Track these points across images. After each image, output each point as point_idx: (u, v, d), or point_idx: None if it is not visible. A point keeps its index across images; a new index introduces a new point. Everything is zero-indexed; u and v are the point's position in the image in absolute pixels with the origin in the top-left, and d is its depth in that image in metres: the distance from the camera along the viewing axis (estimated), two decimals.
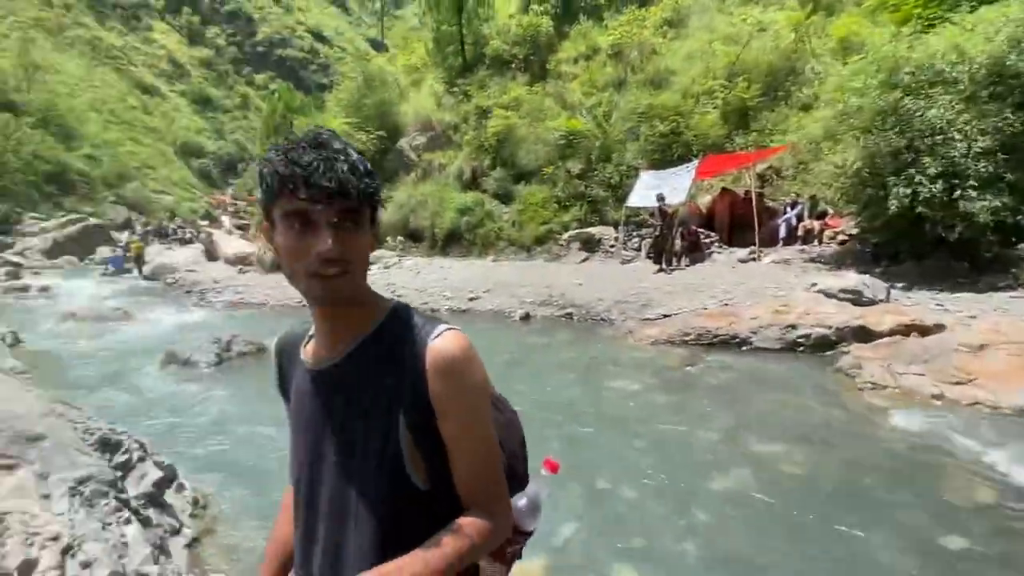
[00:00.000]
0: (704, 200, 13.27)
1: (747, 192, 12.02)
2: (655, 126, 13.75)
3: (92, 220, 25.82)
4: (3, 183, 26.59)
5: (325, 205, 0.71)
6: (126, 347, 7.49)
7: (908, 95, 7.66)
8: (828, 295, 6.34)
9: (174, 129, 47.38)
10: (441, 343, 0.78)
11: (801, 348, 5.90)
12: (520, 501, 0.91)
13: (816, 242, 10.32)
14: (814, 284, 6.80)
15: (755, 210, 10.36)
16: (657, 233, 10.20)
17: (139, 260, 17.16)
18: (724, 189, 12.47)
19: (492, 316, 9.16)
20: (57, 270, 19.18)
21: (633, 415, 4.36)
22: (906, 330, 5.45)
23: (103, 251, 21.73)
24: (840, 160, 8.56)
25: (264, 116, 31.81)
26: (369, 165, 0.78)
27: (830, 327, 5.80)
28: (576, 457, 3.53)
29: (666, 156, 13.61)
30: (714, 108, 14.09)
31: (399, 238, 16.48)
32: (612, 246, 12.52)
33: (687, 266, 10.52)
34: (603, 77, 16.88)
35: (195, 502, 2.73)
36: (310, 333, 0.89)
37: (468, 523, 0.77)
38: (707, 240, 11.38)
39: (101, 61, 46.39)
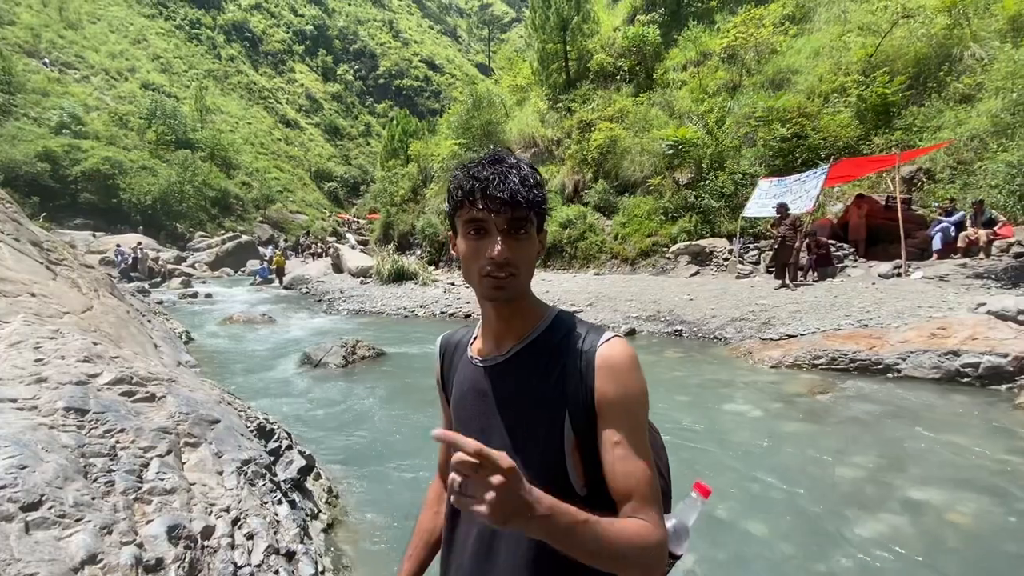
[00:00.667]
0: (836, 209, 11.99)
1: (890, 199, 10.64)
2: (775, 130, 12.73)
3: (244, 237, 29.92)
4: (181, 208, 31.84)
5: (498, 214, 0.77)
6: (270, 348, 8.51)
7: None
8: (1003, 317, 5.35)
9: (309, 157, 53.56)
10: (610, 348, 0.81)
11: (965, 379, 5.02)
12: (669, 522, 0.87)
13: (982, 255, 8.80)
14: (982, 304, 5.79)
15: (900, 218, 9.11)
16: (779, 245, 9.38)
17: (280, 272, 19.46)
18: (860, 196, 11.14)
19: None
20: (218, 280, 22.48)
21: (756, 443, 4.00)
22: None
23: (252, 263, 25.01)
24: (1016, 158, 7.25)
25: (384, 141, 34.78)
26: (539, 176, 0.84)
27: (1006, 355, 4.87)
28: (690, 483, 3.31)
29: (788, 162, 12.54)
30: (846, 107, 12.74)
31: None
32: (726, 259, 11.75)
33: (815, 281, 9.54)
34: (715, 82, 16.08)
35: (329, 490, 3.00)
36: (474, 334, 0.96)
37: (642, 526, 0.75)
38: (839, 253, 10.23)
39: (255, 101, 54.02)
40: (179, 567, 1.53)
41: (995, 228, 8.82)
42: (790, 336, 6.94)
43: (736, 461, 3.67)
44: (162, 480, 1.80)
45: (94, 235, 24.73)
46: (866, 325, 6.64)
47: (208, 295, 16.32)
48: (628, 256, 13.88)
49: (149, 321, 7.06)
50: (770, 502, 3.04)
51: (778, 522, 2.85)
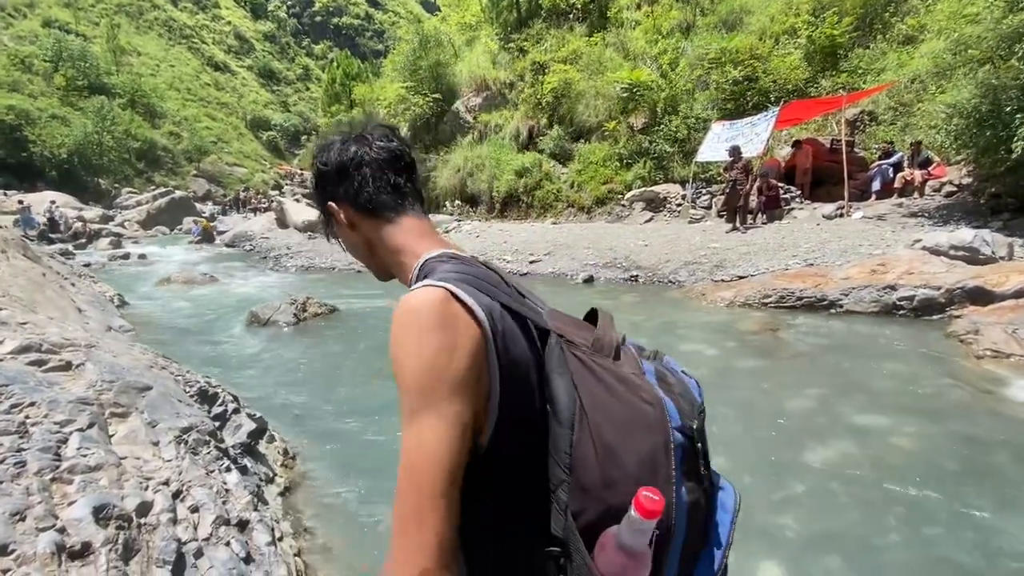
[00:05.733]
0: (784, 152, 12.23)
1: (834, 141, 10.94)
2: (728, 72, 12.66)
3: (178, 193, 27.71)
4: (102, 161, 28.99)
5: None
6: (214, 308, 8.03)
7: None
8: (936, 252, 5.67)
9: (244, 104, 49.53)
10: (399, 304, 0.68)
11: (902, 312, 5.34)
12: (606, 537, 0.64)
13: (916, 195, 9.26)
14: (918, 240, 6.10)
15: (845, 160, 9.39)
16: (729, 189, 9.51)
17: (209, 235, 18.49)
18: (805, 139, 11.38)
19: (553, 279, 9.02)
20: (152, 239, 20.89)
21: (711, 381, 4.11)
22: None
23: (188, 221, 23.36)
24: (953, 99, 7.50)
25: (324, 85, 32.47)
26: (318, 161, 0.87)
27: (938, 288, 5.19)
28: None
29: (740, 105, 12.59)
30: (796, 48, 12.79)
31: (456, 202, 16.49)
32: (679, 205, 11.89)
33: (763, 224, 9.80)
34: (669, 22, 15.71)
35: (285, 452, 2.86)
36: None
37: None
38: (786, 196, 10.52)
39: (176, 41, 48.84)
40: (111, 550, 1.37)
41: (930, 169, 9.25)
42: (741, 277, 7.16)
43: None
44: (84, 456, 1.60)
45: (5, 193, 22.24)
46: (812, 264, 6.92)
47: (142, 255, 15.14)
48: (584, 204, 13.79)
49: (73, 285, 6.45)
50: (727, 436, 3.15)
51: (735, 454, 2.95)
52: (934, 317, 5.10)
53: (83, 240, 17.00)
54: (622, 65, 14.95)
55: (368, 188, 0.82)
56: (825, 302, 5.84)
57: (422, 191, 0.90)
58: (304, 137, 50.10)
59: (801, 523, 2.36)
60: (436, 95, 18.06)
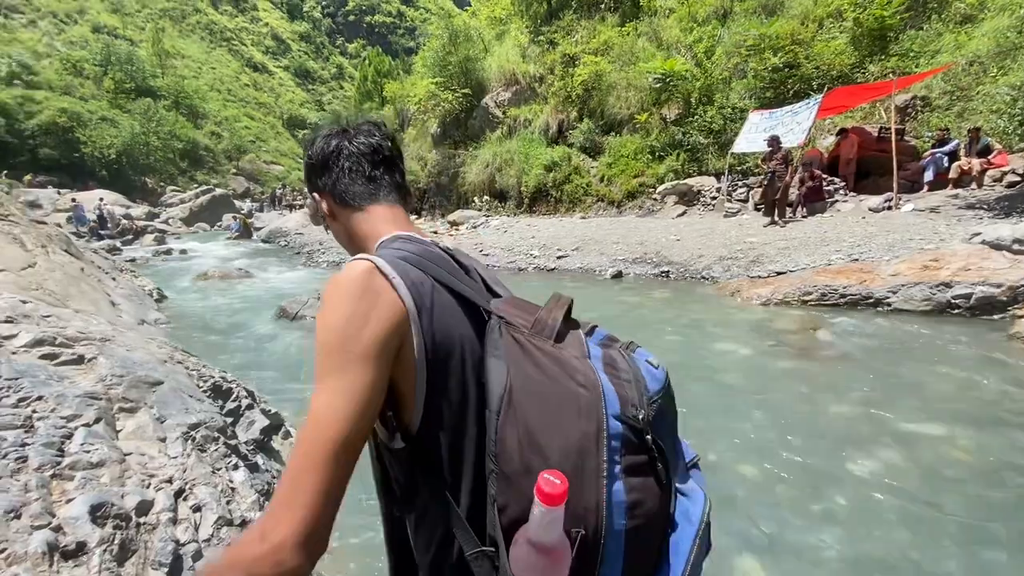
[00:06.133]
0: (827, 142, 11.64)
1: (883, 129, 10.32)
2: (767, 59, 12.12)
3: (218, 190, 28.71)
4: (148, 161, 30.30)
5: None
6: (246, 303, 8.22)
7: None
8: (997, 247, 5.22)
9: (280, 103, 50.91)
10: (334, 273, 0.71)
11: (957, 311, 4.95)
12: (519, 532, 0.60)
13: (974, 185, 8.62)
14: (977, 234, 5.64)
15: (894, 149, 8.83)
16: (767, 181, 9.09)
17: (247, 232, 19.06)
18: (850, 128, 10.78)
19: (581, 274, 8.84)
20: (193, 235, 21.71)
21: (746, 382, 3.90)
22: None
23: (227, 218, 24.14)
24: (1018, 80, 6.92)
25: (356, 83, 32.97)
26: (307, 151, 0.91)
27: (1000, 285, 4.78)
28: (681, 424, 3.21)
29: (780, 94, 12.05)
30: (841, 32, 12.13)
31: (485, 197, 16.44)
32: (714, 198, 11.47)
33: (803, 217, 9.34)
34: (704, 9, 15.16)
35: None
36: None
37: (234, 546, 0.61)
38: (829, 188, 9.99)
39: (217, 43, 50.56)
40: (105, 550, 1.34)
41: (990, 157, 8.59)
42: (779, 273, 6.82)
43: (726, 401, 3.57)
44: (88, 452, 1.57)
45: (59, 192, 23.52)
46: (857, 259, 6.52)
47: (183, 251, 15.73)
48: (614, 198, 13.50)
49: (113, 279, 6.69)
50: (762, 443, 2.95)
51: (772, 463, 2.76)
52: (994, 317, 4.70)
53: (130, 236, 17.80)
54: (655, 55, 14.53)
55: (344, 179, 0.85)
56: (871, 300, 5.48)
57: (403, 183, 0.91)
58: None
59: (841, 541, 2.17)
60: (465, 90, 18.02)
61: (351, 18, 64.61)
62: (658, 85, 13.39)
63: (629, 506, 0.60)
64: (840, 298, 5.67)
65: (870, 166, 10.19)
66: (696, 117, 12.84)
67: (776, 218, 8.99)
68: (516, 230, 12.48)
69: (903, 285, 5.37)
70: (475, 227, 13.91)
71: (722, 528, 2.29)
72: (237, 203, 28.05)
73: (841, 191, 10.03)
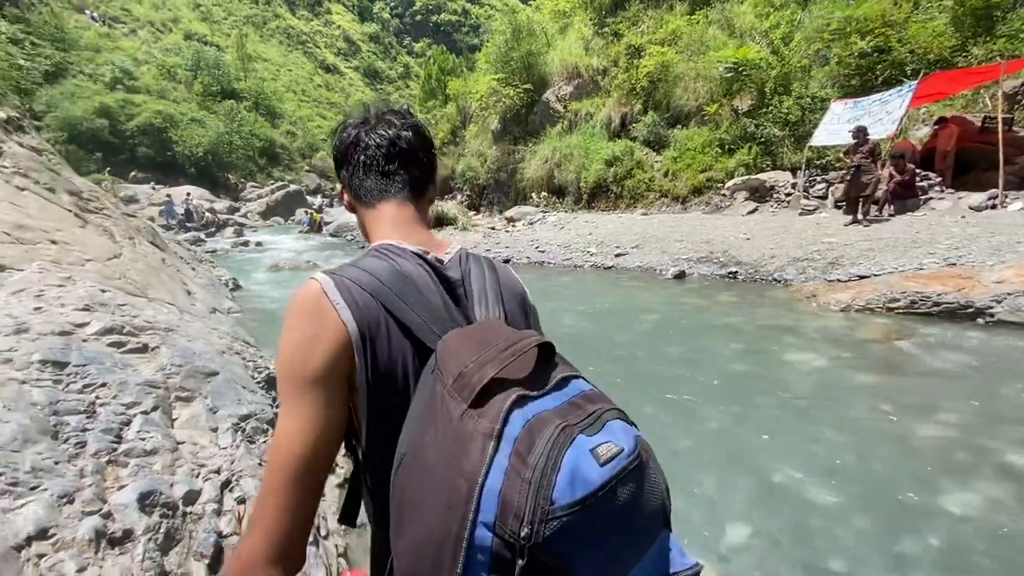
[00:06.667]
0: (920, 133, 10.55)
1: (987, 119, 9.20)
2: (853, 44, 11.15)
3: (292, 186, 30.43)
4: (231, 159, 32.60)
5: None
6: None
7: None
8: None
9: (350, 103, 53.05)
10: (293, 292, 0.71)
11: None
12: None
13: None
14: None
15: (1000, 141, 7.85)
16: (851, 176, 8.34)
17: (319, 226, 19.90)
18: (949, 117, 9.69)
19: (641, 273, 8.53)
20: (269, 228, 23.12)
21: (822, 396, 3.56)
22: None
23: (299, 212, 25.52)
24: None
25: (421, 81, 33.76)
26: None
27: None
28: (745, 441, 2.97)
29: (867, 81, 11.05)
30: (940, 12, 10.92)
31: (543, 194, 16.29)
32: (788, 194, 10.71)
33: (891, 216, 8.51)
34: None
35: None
36: None
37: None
38: (923, 183, 9.04)
39: (294, 46, 53.46)
40: (150, 539, 1.37)
41: None
42: (862, 277, 6.24)
43: (798, 417, 3.27)
44: (143, 440, 1.63)
45: (154, 188, 25.82)
46: (954, 264, 5.84)
47: (259, 243, 16.78)
48: (679, 194, 12.95)
49: (193, 269, 7.18)
50: (839, 466, 2.66)
51: (850, 490, 2.47)
52: None
53: (212, 229, 19.21)
54: (726, 43, 13.77)
55: (359, 174, 0.84)
56: (970, 310, 4.87)
57: (421, 175, 0.87)
58: None
59: None
60: (527, 85, 17.92)
61: (418, 17, 66.27)
62: (729, 75, 12.68)
63: None
64: (933, 306, 5.08)
65: (971, 159, 9.11)
66: (771, 108, 12.05)
67: (859, 216, 8.24)
68: (573, 226, 12.27)
69: (1010, 294, 4.74)
70: (531, 223, 13.82)
71: (791, 562, 2.08)
72: (309, 199, 29.59)
73: (937, 187, 9.05)
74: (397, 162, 0.83)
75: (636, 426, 0.59)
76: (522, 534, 0.48)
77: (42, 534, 1.22)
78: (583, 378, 0.63)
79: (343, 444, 0.71)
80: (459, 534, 0.50)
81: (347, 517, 0.78)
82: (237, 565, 0.62)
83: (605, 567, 0.51)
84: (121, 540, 1.33)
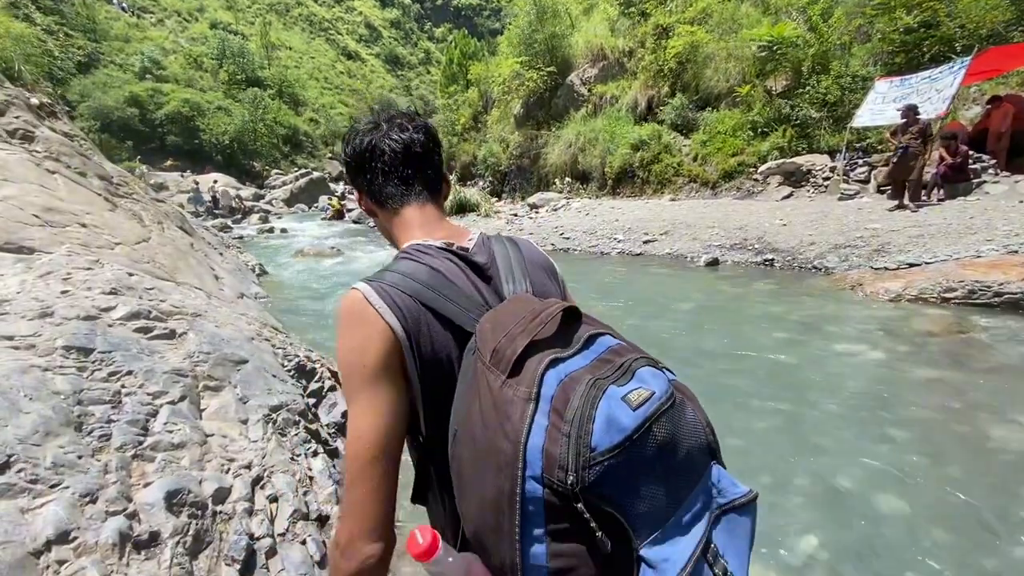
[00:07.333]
0: (969, 114, 9.93)
1: None
2: (897, 19, 10.52)
3: (315, 173, 30.62)
4: (256, 146, 32.94)
5: None
6: (337, 278, 8.57)
7: None
8: None
9: (372, 89, 53.04)
10: (340, 299, 0.77)
11: None
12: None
13: None
14: None
15: None
16: (898, 158, 7.88)
17: (339, 215, 19.76)
18: (1003, 96, 9.07)
19: (671, 261, 8.25)
20: (293, 215, 23.32)
21: (880, 393, 3.31)
22: None
23: (323, 200, 25.69)
24: None
25: (443, 66, 33.44)
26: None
27: None
28: (802, 443, 2.77)
29: (913, 59, 10.42)
30: None
31: (566, 179, 15.98)
32: (827, 178, 10.24)
33: (940, 200, 8.04)
34: None
35: None
36: None
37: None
38: (975, 166, 8.51)
39: (316, 33, 53.54)
40: (178, 542, 1.26)
41: None
42: (912, 265, 5.88)
43: (855, 415, 3.04)
44: (171, 432, 1.53)
45: (182, 175, 26.27)
46: (1015, 251, 5.44)
47: (283, 230, 16.90)
48: (709, 179, 12.52)
49: (221, 255, 7.18)
50: (908, 470, 2.44)
51: (922, 498, 2.26)
52: None
53: (239, 215, 19.43)
54: (760, 21, 13.18)
55: (378, 180, 0.87)
56: None
57: (436, 175, 0.91)
58: (425, 118, 52.32)
59: None
60: (551, 68, 17.53)
61: (438, 2, 65.63)
62: (763, 54, 12.13)
63: (552, 572, 0.55)
64: (994, 296, 4.74)
65: None
66: (808, 88, 11.50)
67: (906, 201, 7.79)
68: (599, 213, 11.99)
69: None
70: (555, 210, 13.57)
71: (863, 574, 1.89)
72: (332, 185, 29.74)
73: (991, 170, 8.52)
74: (414, 166, 0.87)
75: (669, 370, 0.64)
76: (569, 482, 0.52)
77: (63, 537, 1.11)
78: (610, 334, 0.67)
79: (407, 432, 0.77)
80: (512, 491, 0.55)
81: (418, 497, 0.83)
82: (338, 552, 0.68)
83: (654, 503, 0.54)
84: (147, 543, 1.23)
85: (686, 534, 0.56)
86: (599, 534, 0.53)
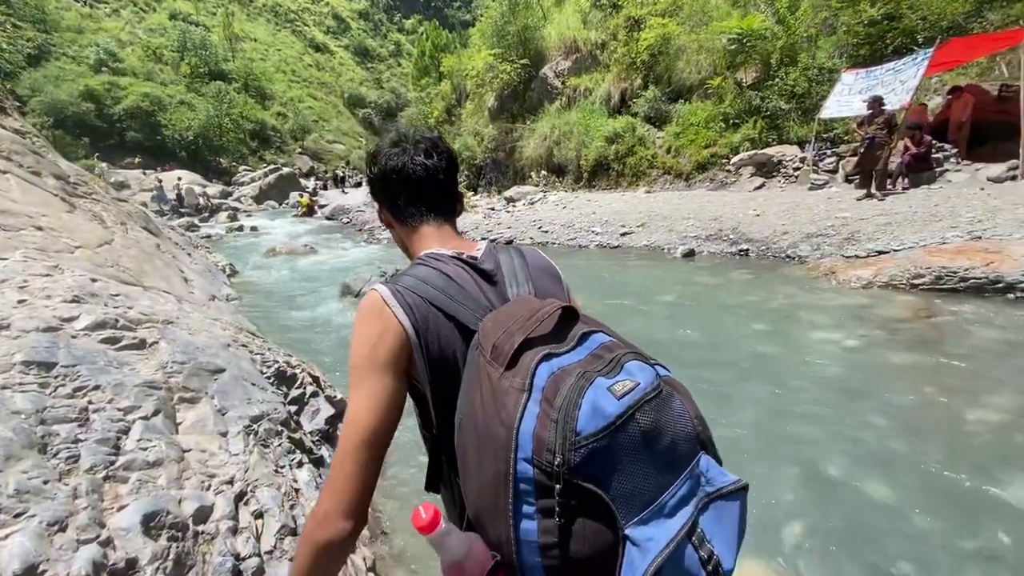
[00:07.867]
0: (933, 103, 10.27)
1: (1004, 87, 8.93)
2: (861, 12, 10.79)
3: (285, 169, 29.84)
4: (222, 142, 31.89)
5: None
6: (311, 278, 8.36)
7: None
8: None
9: (341, 82, 51.90)
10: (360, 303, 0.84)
11: None
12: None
13: None
14: None
15: (1022, 110, 7.60)
16: (864, 148, 8.09)
17: (311, 210, 19.28)
18: (965, 86, 9.40)
19: (648, 252, 8.32)
20: (263, 212, 22.69)
21: (857, 379, 3.40)
22: None
23: (294, 196, 25.08)
24: None
25: (414, 59, 32.94)
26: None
27: None
28: (786, 429, 2.81)
29: (876, 51, 10.71)
30: None
31: (542, 173, 15.96)
32: (797, 169, 10.46)
33: (906, 189, 8.30)
34: None
35: None
36: None
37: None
38: (938, 155, 8.81)
39: (282, 25, 52.01)
40: (158, 568, 1.18)
41: None
42: (881, 252, 6.05)
43: (835, 401, 3.11)
44: (144, 450, 1.44)
45: (144, 172, 25.25)
46: (979, 237, 5.65)
47: (253, 228, 16.43)
48: (683, 171, 12.66)
49: (189, 255, 6.92)
50: (889, 455, 2.50)
51: (905, 482, 2.32)
52: None
53: (206, 214, 18.80)
54: (730, 13, 13.34)
55: (401, 200, 0.94)
56: (1000, 284, 4.71)
57: (454, 194, 0.98)
58: (397, 112, 51.52)
59: None
60: (524, 61, 17.42)
61: None
62: (733, 47, 12.30)
63: (542, 547, 0.59)
64: (960, 282, 4.91)
65: (989, 130, 8.86)
66: (776, 80, 11.72)
67: (873, 190, 8.02)
68: (576, 206, 12.01)
69: None
70: (532, 203, 13.54)
71: (853, 563, 1.92)
72: (303, 181, 29.04)
73: (952, 159, 8.83)
74: (436, 191, 0.94)
75: (660, 365, 0.68)
76: (556, 462, 0.57)
77: (31, 571, 1.02)
78: (604, 331, 0.72)
79: (421, 427, 0.87)
80: (506, 471, 0.60)
81: (431, 485, 0.88)
82: (313, 523, 0.72)
83: (637, 486, 0.58)
84: (124, 572, 1.14)
85: (671, 517, 0.59)
86: (586, 516, 0.57)
